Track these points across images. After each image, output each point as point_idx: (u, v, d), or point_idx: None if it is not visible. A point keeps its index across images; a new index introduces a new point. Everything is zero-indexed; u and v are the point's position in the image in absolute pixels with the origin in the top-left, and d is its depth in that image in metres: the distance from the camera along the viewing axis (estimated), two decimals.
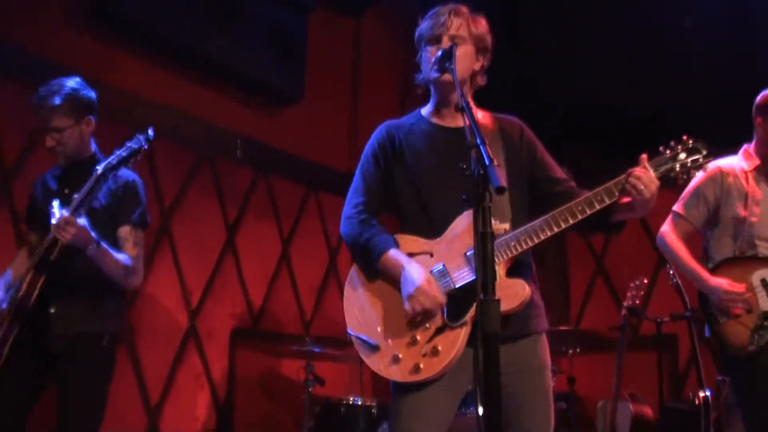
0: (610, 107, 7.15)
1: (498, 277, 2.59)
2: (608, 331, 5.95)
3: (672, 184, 2.82)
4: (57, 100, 3.62)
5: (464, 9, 3.00)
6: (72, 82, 3.72)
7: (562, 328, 6.23)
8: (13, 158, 5.11)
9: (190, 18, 5.87)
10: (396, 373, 2.77)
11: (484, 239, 2.04)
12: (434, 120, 3.07)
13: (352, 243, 2.98)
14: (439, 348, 2.71)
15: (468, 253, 2.75)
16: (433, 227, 2.87)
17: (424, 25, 3.01)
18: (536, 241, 2.71)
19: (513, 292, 2.70)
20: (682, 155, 2.77)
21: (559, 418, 6.38)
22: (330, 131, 7.54)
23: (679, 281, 5.26)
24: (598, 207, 2.69)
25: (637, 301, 5.66)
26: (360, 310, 2.92)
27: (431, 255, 2.84)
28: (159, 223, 5.83)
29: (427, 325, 2.76)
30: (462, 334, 2.71)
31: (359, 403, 5.44)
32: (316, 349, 5.67)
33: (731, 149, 4.22)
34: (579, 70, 7.32)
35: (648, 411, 6.12)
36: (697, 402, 5.23)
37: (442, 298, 2.73)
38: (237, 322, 6.43)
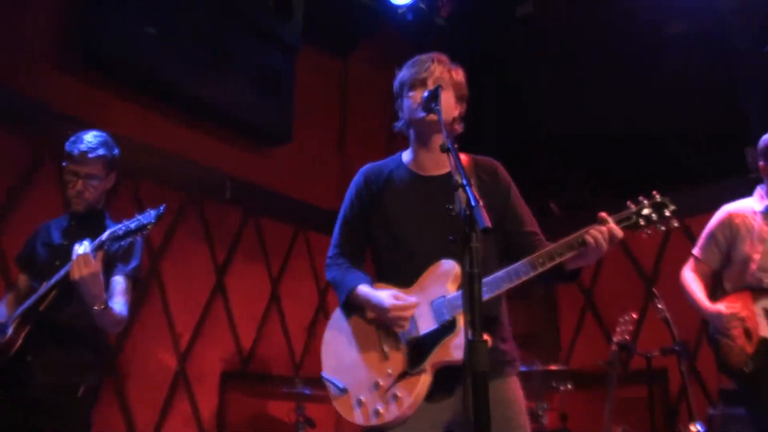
0: (602, 141, 7.24)
1: (457, 327, 2.74)
2: (598, 366, 5.93)
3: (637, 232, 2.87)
4: (100, 151, 3.77)
5: (444, 57, 3.08)
6: (107, 138, 3.88)
7: (553, 367, 6.19)
8: (2, 200, 5.11)
9: (178, 59, 5.92)
10: (358, 417, 2.86)
11: (471, 279, 2.06)
12: (413, 168, 3.12)
13: (332, 285, 3.11)
14: (399, 394, 2.78)
15: (434, 303, 2.83)
16: (406, 277, 2.94)
17: (405, 73, 3.08)
18: (496, 293, 2.77)
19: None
20: (646, 210, 2.82)
21: None
22: (318, 170, 7.57)
23: (668, 315, 5.27)
24: (557, 260, 2.74)
25: (627, 336, 5.65)
26: (334, 354, 3.03)
27: None
28: (148, 265, 5.82)
29: (390, 371, 2.83)
30: (421, 381, 2.77)
31: None
32: (307, 391, 5.62)
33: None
34: (572, 105, 7.41)
35: None
36: None
37: (414, 303, 2.81)
38: (227, 364, 6.40)
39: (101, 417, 5.27)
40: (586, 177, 7.52)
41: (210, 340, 6.29)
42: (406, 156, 3.18)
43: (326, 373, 3.01)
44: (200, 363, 6.18)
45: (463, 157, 3.04)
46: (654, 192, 2.86)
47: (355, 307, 3.01)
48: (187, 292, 6.21)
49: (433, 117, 2.85)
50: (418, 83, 3.01)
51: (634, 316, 5.81)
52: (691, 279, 4.46)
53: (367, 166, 3.22)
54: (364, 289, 2.95)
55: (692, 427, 5.23)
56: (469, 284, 2.05)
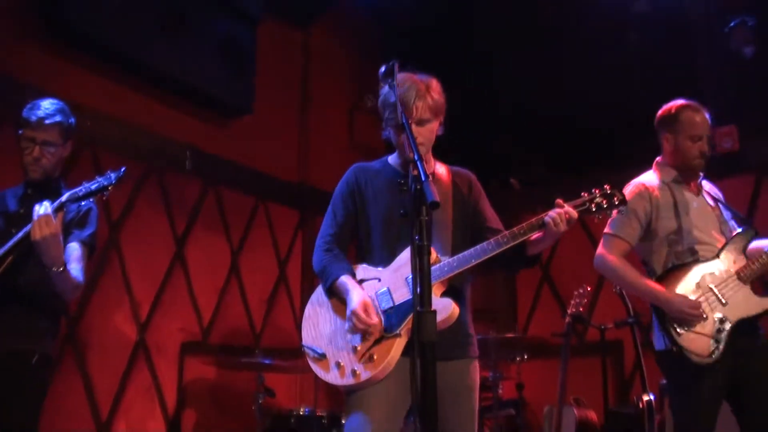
0: (557, 121, 7.30)
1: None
2: (552, 337, 6.04)
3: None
4: (57, 118, 3.80)
5: (422, 86, 3.24)
6: (64, 106, 3.89)
7: (509, 335, 6.30)
8: None
9: (139, 29, 5.85)
10: (336, 378, 3.17)
11: (420, 252, 2.10)
12: (396, 166, 3.49)
13: (316, 269, 3.42)
14: (375, 356, 3.09)
15: (407, 278, 3.14)
16: (384, 259, 3.30)
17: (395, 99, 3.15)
18: (466, 267, 3.11)
19: (440, 308, 2.91)
20: (599, 199, 3.21)
21: (507, 423, 6.54)
22: (279, 142, 7.56)
23: (622, 289, 5.37)
24: (520, 239, 3.11)
25: (581, 308, 5.76)
26: (314, 326, 3.35)
27: (379, 280, 3.26)
28: (107, 236, 5.79)
29: (367, 337, 3.13)
30: (396, 343, 3.10)
31: (309, 413, 5.47)
32: (267, 361, 5.65)
33: None
34: (529, 85, 7.45)
35: (592, 415, 6.25)
36: (641, 406, 5.36)
37: (374, 320, 3.10)
38: (186, 334, 6.40)
39: (61, 386, 5.27)
40: (545, 154, 7.59)
41: (170, 311, 6.28)
42: (393, 159, 3.54)
43: (306, 342, 3.31)
44: (160, 333, 6.18)
45: (443, 168, 3.51)
46: (606, 186, 3.25)
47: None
48: (146, 263, 6.18)
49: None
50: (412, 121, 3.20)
51: (589, 288, 5.93)
52: (622, 262, 3.98)
53: (357, 164, 3.56)
54: (346, 281, 3.24)
55: (645, 397, 5.37)
56: (419, 256, 2.10)
